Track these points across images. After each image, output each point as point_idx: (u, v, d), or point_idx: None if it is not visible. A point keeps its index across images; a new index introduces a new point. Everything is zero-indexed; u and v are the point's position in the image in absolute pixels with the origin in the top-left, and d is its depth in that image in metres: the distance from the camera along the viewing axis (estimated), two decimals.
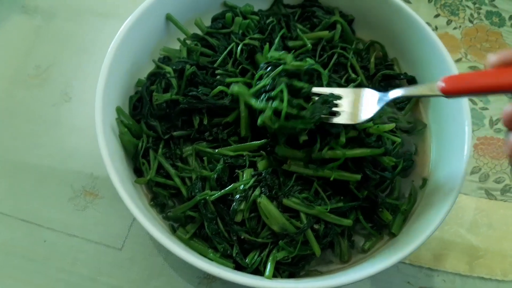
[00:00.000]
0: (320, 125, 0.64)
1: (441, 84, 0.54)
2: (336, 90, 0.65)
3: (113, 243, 0.74)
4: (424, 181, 0.73)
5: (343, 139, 0.64)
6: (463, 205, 0.82)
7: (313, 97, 0.64)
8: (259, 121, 0.62)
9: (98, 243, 0.74)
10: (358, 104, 0.64)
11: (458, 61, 0.96)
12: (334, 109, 0.63)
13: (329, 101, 0.64)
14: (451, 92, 0.53)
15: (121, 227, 0.74)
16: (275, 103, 0.61)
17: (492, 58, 0.50)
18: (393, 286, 0.74)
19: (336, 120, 0.63)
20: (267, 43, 0.74)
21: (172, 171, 0.68)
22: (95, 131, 0.62)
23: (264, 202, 0.61)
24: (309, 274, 0.66)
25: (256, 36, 0.76)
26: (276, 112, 0.61)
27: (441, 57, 0.73)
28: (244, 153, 0.67)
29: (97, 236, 0.74)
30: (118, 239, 0.74)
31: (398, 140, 0.70)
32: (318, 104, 0.63)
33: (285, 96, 0.61)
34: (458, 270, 0.76)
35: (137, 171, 0.70)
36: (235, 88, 0.66)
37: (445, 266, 0.77)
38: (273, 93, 0.62)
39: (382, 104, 0.62)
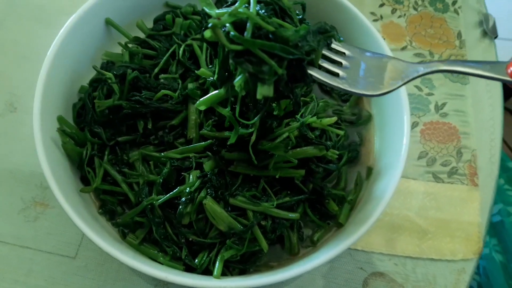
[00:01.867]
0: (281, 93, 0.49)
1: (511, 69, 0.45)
2: (341, 47, 0.54)
3: (66, 252, 0.73)
4: (369, 170, 0.75)
5: (280, 112, 0.58)
6: (411, 190, 0.84)
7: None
8: (206, 33, 0.45)
9: (52, 253, 0.73)
10: (374, 71, 0.53)
11: (403, 49, 0.98)
12: (332, 68, 0.51)
13: (328, 31, 0.53)
14: None
15: (74, 235, 0.74)
16: (239, 9, 0.44)
17: None
18: (347, 273, 0.77)
19: (337, 83, 0.51)
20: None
21: (118, 177, 0.68)
22: None
23: (209, 203, 0.62)
24: (260, 270, 0.67)
25: (198, 36, 0.76)
26: (241, 28, 0.44)
27: (380, 50, 0.74)
28: (191, 155, 0.68)
29: (50, 246, 0.74)
30: (71, 247, 0.74)
31: (341, 133, 0.72)
32: (312, 30, 0.49)
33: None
34: (408, 253, 0.79)
35: (84, 180, 0.70)
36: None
37: (396, 250, 0.79)
38: (238, 3, 0.45)
39: (417, 74, 0.52)
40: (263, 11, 0.47)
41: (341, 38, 0.55)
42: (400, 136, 0.69)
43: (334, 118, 0.70)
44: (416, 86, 0.93)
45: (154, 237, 0.65)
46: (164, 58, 0.73)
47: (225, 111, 0.56)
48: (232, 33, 0.44)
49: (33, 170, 0.78)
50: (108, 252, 0.57)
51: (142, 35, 0.79)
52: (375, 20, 1.00)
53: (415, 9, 1.03)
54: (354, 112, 0.79)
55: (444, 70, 0.51)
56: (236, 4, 0.45)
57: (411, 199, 0.83)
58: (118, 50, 0.77)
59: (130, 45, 0.76)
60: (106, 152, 0.70)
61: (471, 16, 1.04)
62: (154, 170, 0.68)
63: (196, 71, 0.67)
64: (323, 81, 0.51)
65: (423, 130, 0.90)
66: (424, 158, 0.87)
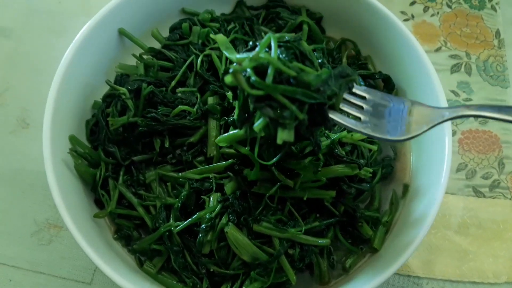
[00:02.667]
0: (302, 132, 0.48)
1: None
2: (361, 91, 0.52)
3: (81, 277, 0.70)
4: (406, 187, 0.69)
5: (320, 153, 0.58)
6: (450, 206, 0.78)
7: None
8: (226, 79, 0.44)
9: (66, 278, 0.70)
10: (398, 115, 0.51)
11: (437, 50, 0.91)
12: (354, 113, 0.50)
13: (349, 76, 0.50)
14: None
15: (89, 259, 0.69)
16: (260, 54, 0.43)
17: None
18: None
19: (358, 127, 0.49)
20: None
21: (134, 200, 0.63)
22: None
23: (232, 231, 0.57)
24: None
25: (216, 45, 0.71)
26: (261, 73, 0.44)
27: (414, 52, 0.68)
28: (211, 175, 0.63)
29: (64, 272, 0.70)
30: (86, 272, 0.70)
31: (375, 148, 0.66)
32: (333, 74, 0.48)
33: (274, 44, 0.44)
34: (448, 276, 0.73)
35: (99, 202, 0.66)
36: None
37: (434, 273, 0.73)
38: (258, 48, 0.44)
39: (442, 119, 0.49)
40: (283, 55, 0.46)
41: (362, 83, 0.53)
42: (441, 149, 0.63)
43: None
44: (453, 91, 0.86)
45: (172, 266, 0.61)
46: (182, 70, 0.68)
47: (245, 150, 0.54)
48: (253, 78, 0.43)
49: (46, 190, 0.73)
50: (121, 285, 0.53)
51: (157, 45, 0.74)
52: (405, 20, 0.93)
53: (449, 6, 0.95)
54: None
55: (470, 115, 0.48)
56: (257, 49, 0.44)
57: (450, 216, 0.77)
58: (133, 61, 0.73)
59: (145, 57, 0.72)
60: (121, 173, 0.65)
61: (510, 12, 0.96)
62: (172, 192, 0.63)
63: (225, 92, 0.63)
64: (345, 125, 0.49)
65: (462, 139, 0.83)
66: (463, 170, 0.80)
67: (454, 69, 0.89)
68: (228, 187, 0.61)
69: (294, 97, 0.44)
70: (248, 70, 0.43)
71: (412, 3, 0.95)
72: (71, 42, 0.65)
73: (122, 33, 0.71)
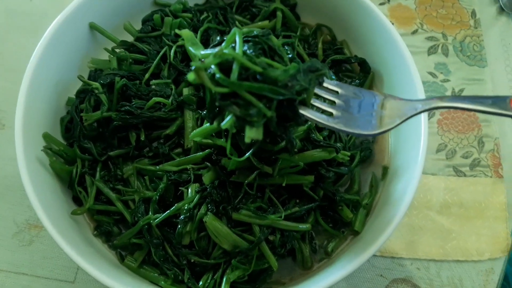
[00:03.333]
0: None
1: None
2: (333, 85, 0.51)
3: (64, 276, 0.69)
4: (385, 169, 0.69)
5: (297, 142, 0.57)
6: (431, 186, 0.78)
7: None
8: (189, 76, 0.43)
9: (49, 278, 0.69)
10: (370, 109, 0.50)
11: (414, 32, 0.91)
12: (325, 108, 0.49)
13: (319, 70, 0.48)
14: None
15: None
16: (225, 50, 0.43)
17: None
18: (366, 282, 0.71)
19: (330, 123, 0.49)
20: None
21: (112, 195, 0.63)
22: None
23: (211, 220, 0.56)
24: (271, 287, 0.62)
25: None
26: (227, 69, 0.43)
27: (388, 35, 0.68)
28: (188, 166, 0.62)
29: (47, 271, 0.69)
30: (69, 271, 0.69)
31: None
32: (302, 68, 0.47)
33: (239, 40, 0.44)
34: (432, 256, 0.73)
35: (77, 200, 0.65)
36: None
37: (418, 253, 0.73)
38: (224, 43, 0.44)
39: (415, 112, 0.49)
40: (251, 50, 0.45)
41: (333, 77, 0.53)
42: (417, 130, 0.63)
43: None
44: (430, 73, 0.87)
45: (153, 259, 0.60)
46: (155, 62, 0.67)
47: (220, 142, 0.53)
48: (217, 75, 0.42)
49: (25, 191, 0.73)
50: (103, 282, 0.52)
51: (130, 38, 0.73)
52: (381, 4, 0.93)
53: None
54: None
55: (443, 106, 0.48)
56: (222, 45, 0.43)
57: (431, 197, 0.77)
58: (106, 55, 0.72)
59: (117, 50, 0.71)
60: (98, 169, 0.65)
61: None
62: (150, 185, 0.63)
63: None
64: (316, 121, 0.48)
65: (440, 120, 0.83)
66: (443, 150, 0.81)
67: (431, 50, 0.89)
68: (206, 177, 0.60)
69: (261, 93, 0.43)
70: (213, 66, 0.42)
71: None
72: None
73: (93, 27, 0.70)
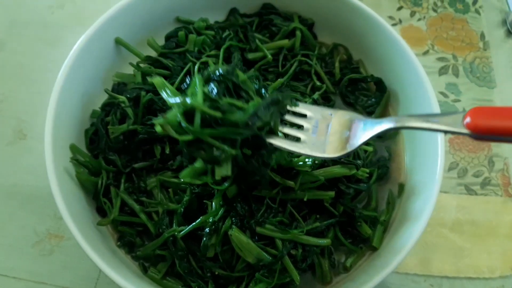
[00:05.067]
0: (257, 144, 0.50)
1: (468, 119, 0.41)
2: (304, 106, 0.54)
3: (84, 286, 0.70)
4: (401, 187, 0.70)
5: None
6: (443, 204, 0.80)
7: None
8: (157, 129, 0.48)
9: None
10: (334, 130, 0.51)
11: (425, 53, 0.93)
12: (296, 133, 0.52)
13: (280, 102, 0.50)
14: (482, 132, 0.40)
15: (91, 269, 0.70)
16: (187, 98, 0.46)
17: None
18: None
19: (296, 147, 0.51)
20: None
21: (136, 207, 0.64)
22: None
23: (235, 234, 0.57)
24: None
25: (212, 53, 0.72)
26: (193, 115, 0.46)
27: (405, 55, 0.70)
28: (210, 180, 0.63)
29: (67, 281, 0.70)
30: (89, 282, 0.70)
31: (370, 149, 0.68)
32: (263, 104, 0.49)
33: (200, 86, 0.47)
34: (444, 273, 0.75)
35: (101, 211, 0.66)
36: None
37: (431, 270, 0.75)
38: (188, 90, 0.47)
39: (373, 134, 0.50)
40: (215, 90, 0.48)
41: (297, 103, 0.54)
42: (434, 148, 0.65)
43: None
44: (442, 93, 0.89)
45: (177, 271, 0.61)
46: (179, 77, 0.69)
47: (207, 179, 0.54)
48: (183, 124, 0.46)
49: (46, 200, 0.74)
50: None
51: (153, 53, 0.75)
52: (393, 24, 0.96)
53: (434, 11, 0.98)
54: None
55: (396, 128, 0.48)
56: (187, 91, 0.48)
57: (444, 214, 0.79)
58: (130, 70, 0.74)
59: (142, 65, 0.73)
60: (122, 180, 0.66)
61: (493, 15, 0.99)
62: (173, 197, 0.64)
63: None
64: (283, 148, 0.51)
65: (452, 139, 0.85)
66: (455, 169, 0.83)
67: (442, 71, 0.91)
68: (230, 191, 0.61)
69: (223, 136, 0.47)
70: (179, 116, 0.46)
71: (399, 8, 0.98)
72: (65, 52, 0.65)
73: (118, 42, 0.72)
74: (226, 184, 0.56)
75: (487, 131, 0.40)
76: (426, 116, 0.46)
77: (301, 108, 0.54)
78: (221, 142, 0.47)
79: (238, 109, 0.48)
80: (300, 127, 0.53)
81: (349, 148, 0.50)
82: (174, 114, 0.47)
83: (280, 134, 0.53)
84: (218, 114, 0.46)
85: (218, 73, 0.50)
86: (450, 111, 0.43)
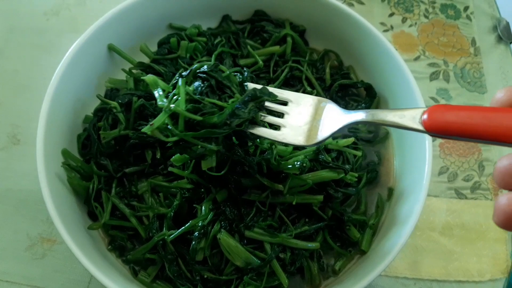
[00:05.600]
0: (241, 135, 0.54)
1: (425, 117, 0.41)
2: (284, 93, 0.56)
3: None
4: (390, 191, 0.71)
5: (290, 147, 0.62)
6: (433, 208, 0.80)
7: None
8: (147, 129, 0.51)
9: None
10: (311, 118, 0.53)
11: (416, 59, 0.94)
12: (276, 120, 0.54)
13: (258, 97, 0.53)
14: (437, 131, 0.40)
15: (83, 273, 0.71)
16: (171, 104, 0.51)
17: (500, 94, 0.38)
18: None
19: (275, 135, 0.53)
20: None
21: (127, 211, 0.64)
22: None
23: (224, 237, 0.58)
24: None
25: (204, 59, 0.73)
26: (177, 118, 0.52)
27: (394, 61, 0.71)
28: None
29: (59, 285, 0.70)
30: (80, 286, 0.70)
31: (359, 154, 0.69)
32: (241, 101, 0.52)
33: (182, 95, 0.51)
34: (434, 276, 0.75)
35: (92, 215, 0.67)
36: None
37: (421, 273, 0.75)
38: (171, 95, 0.52)
39: (341, 125, 0.51)
40: (198, 90, 0.53)
41: (276, 95, 0.57)
42: (422, 153, 0.66)
43: (352, 139, 0.67)
44: (432, 98, 0.90)
45: (167, 274, 0.62)
46: (171, 83, 0.69)
47: (186, 173, 0.62)
48: (169, 127, 0.51)
49: (39, 205, 0.75)
50: None
51: (146, 59, 0.76)
52: (385, 31, 0.97)
53: (426, 17, 1.00)
54: (370, 130, 0.76)
55: (355, 121, 0.50)
56: (171, 96, 0.53)
57: (434, 218, 0.79)
58: (122, 76, 0.75)
59: (134, 71, 0.74)
60: (114, 185, 0.67)
61: (484, 21, 1.00)
62: (164, 202, 0.65)
63: None
64: (264, 138, 0.54)
65: (442, 143, 0.86)
66: (445, 173, 0.83)
67: (433, 76, 0.92)
68: (220, 195, 0.62)
69: (204, 136, 0.51)
70: (165, 120, 0.51)
71: (391, 15, 0.99)
72: (59, 59, 0.66)
73: (111, 48, 0.73)
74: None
75: (442, 131, 0.39)
76: (393, 111, 0.46)
77: (280, 94, 0.56)
78: (205, 141, 0.52)
79: (219, 108, 0.52)
80: (280, 115, 0.56)
81: (320, 138, 0.52)
82: (160, 119, 0.51)
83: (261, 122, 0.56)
84: (198, 118, 0.51)
85: (202, 70, 0.54)
86: (413, 108, 0.42)
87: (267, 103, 0.55)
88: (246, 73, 0.59)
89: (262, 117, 0.55)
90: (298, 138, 0.53)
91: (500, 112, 0.37)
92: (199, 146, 0.53)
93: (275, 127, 0.55)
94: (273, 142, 0.61)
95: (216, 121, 0.51)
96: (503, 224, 0.37)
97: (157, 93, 0.55)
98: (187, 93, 0.52)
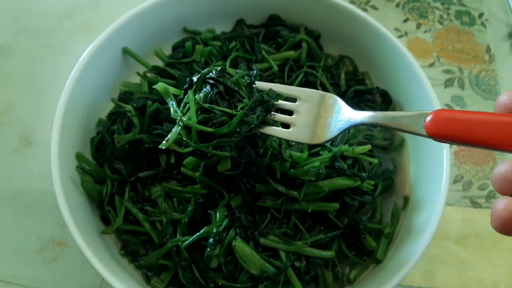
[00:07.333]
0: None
1: (427, 122, 0.40)
2: (291, 90, 0.55)
3: None
4: (406, 199, 0.70)
5: (305, 153, 0.63)
6: (448, 217, 0.79)
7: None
8: (164, 145, 0.53)
9: None
10: (319, 115, 0.53)
11: (431, 65, 0.93)
12: (285, 119, 0.54)
13: (265, 102, 0.53)
14: (438, 137, 0.40)
15: (94, 277, 0.70)
16: (183, 117, 0.53)
17: (503, 97, 0.37)
18: None
19: (284, 134, 0.54)
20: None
21: (140, 216, 0.64)
22: None
23: (239, 245, 0.57)
24: None
25: (219, 63, 0.73)
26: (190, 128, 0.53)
27: (410, 68, 0.71)
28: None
29: None
30: None
31: (375, 161, 0.68)
32: (249, 107, 0.53)
33: (192, 108, 0.53)
34: (449, 286, 0.74)
35: (105, 219, 0.66)
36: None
37: (435, 283, 0.74)
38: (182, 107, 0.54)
39: (349, 124, 0.51)
40: (208, 97, 0.54)
41: (283, 96, 0.56)
42: (439, 161, 0.65)
43: (368, 146, 0.66)
44: (447, 105, 0.89)
45: (180, 281, 0.61)
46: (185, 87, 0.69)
47: (196, 175, 0.63)
48: (184, 138, 0.53)
49: (50, 207, 0.74)
50: None
51: (160, 63, 0.76)
52: (399, 37, 0.96)
53: (440, 23, 0.99)
54: (386, 137, 0.75)
55: (362, 122, 0.50)
56: (186, 111, 0.54)
57: (448, 227, 0.78)
58: (137, 79, 0.74)
59: (149, 75, 0.73)
60: (127, 189, 0.66)
61: (499, 28, 0.99)
62: (178, 207, 0.64)
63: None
64: (274, 136, 0.55)
65: (457, 151, 0.85)
66: (460, 182, 0.82)
67: (448, 83, 0.92)
68: (235, 201, 0.62)
69: (218, 145, 0.52)
70: (182, 132, 0.53)
71: (405, 20, 0.98)
72: (72, 60, 0.66)
73: (126, 52, 0.72)
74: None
75: (444, 136, 0.39)
76: (397, 114, 0.46)
77: (288, 91, 0.56)
78: (217, 149, 0.53)
79: (229, 116, 0.53)
80: (290, 112, 0.56)
81: (329, 136, 0.52)
82: (175, 134, 0.53)
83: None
84: (209, 130, 0.52)
85: (210, 76, 0.55)
86: (418, 111, 0.42)
87: (281, 102, 0.56)
88: (255, 71, 0.58)
89: (272, 116, 0.55)
90: (307, 136, 0.53)
91: (502, 118, 0.36)
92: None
93: (285, 125, 0.55)
94: (281, 143, 0.62)
95: (226, 131, 0.52)
96: (500, 229, 0.37)
97: (170, 102, 0.56)
98: (197, 102, 0.53)
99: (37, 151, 0.80)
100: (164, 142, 0.53)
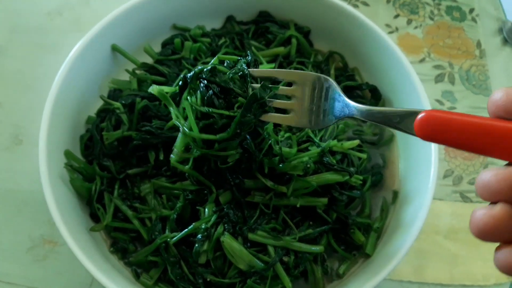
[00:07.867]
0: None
1: (416, 123, 0.40)
2: (285, 74, 0.56)
3: None
4: (395, 194, 0.70)
5: (294, 149, 0.63)
6: (438, 211, 0.79)
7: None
8: (174, 160, 0.57)
9: None
10: (315, 100, 0.53)
11: (422, 61, 0.94)
12: (283, 104, 0.54)
13: (260, 98, 0.53)
14: (427, 139, 0.40)
15: (85, 274, 0.69)
16: (186, 129, 0.55)
17: (497, 96, 0.36)
18: None
19: (283, 119, 0.54)
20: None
21: (129, 213, 0.64)
22: None
23: (227, 240, 0.58)
24: None
25: (208, 60, 0.73)
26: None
27: (399, 63, 0.71)
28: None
29: (61, 287, 0.70)
30: (82, 287, 0.70)
31: (364, 156, 0.68)
32: (245, 108, 0.53)
33: (191, 118, 0.54)
34: (439, 280, 0.74)
35: (94, 217, 0.66)
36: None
37: (425, 277, 0.74)
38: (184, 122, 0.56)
39: (344, 114, 0.50)
40: (205, 101, 0.54)
41: (277, 87, 0.56)
42: (428, 156, 0.65)
43: (356, 141, 0.66)
44: (437, 100, 0.89)
45: (169, 277, 0.61)
46: (175, 84, 0.69)
47: (186, 169, 0.61)
48: (192, 146, 0.56)
49: (41, 206, 0.73)
50: None
51: (149, 60, 0.76)
52: (390, 32, 0.96)
53: (431, 19, 0.99)
54: (375, 132, 0.75)
55: (354, 114, 0.50)
56: (186, 124, 0.55)
57: (439, 221, 0.79)
58: (126, 76, 0.74)
59: (138, 72, 0.73)
60: (116, 186, 0.66)
61: (489, 23, 0.99)
62: (167, 203, 0.64)
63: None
64: (274, 121, 0.55)
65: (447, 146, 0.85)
66: (450, 176, 0.83)
67: (438, 79, 0.92)
68: (223, 197, 0.62)
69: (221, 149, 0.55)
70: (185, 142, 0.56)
71: (396, 16, 0.98)
72: (63, 59, 0.66)
73: (115, 49, 0.72)
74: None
75: (433, 138, 0.39)
76: (388, 111, 0.45)
77: (282, 77, 0.56)
78: (222, 150, 0.56)
79: (227, 117, 0.54)
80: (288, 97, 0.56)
81: (326, 123, 0.52)
82: (181, 145, 0.57)
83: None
84: (212, 137, 0.54)
85: (203, 76, 0.55)
86: (409, 110, 0.42)
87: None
88: (249, 57, 0.58)
89: (269, 103, 0.55)
90: (304, 121, 0.53)
91: (493, 124, 0.36)
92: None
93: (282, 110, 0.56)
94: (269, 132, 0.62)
95: (226, 138, 0.54)
96: (477, 236, 0.37)
97: (172, 110, 0.57)
98: (194, 108, 0.55)
99: (28, 149, 0.79)
100: (172, 156, 0.57)
